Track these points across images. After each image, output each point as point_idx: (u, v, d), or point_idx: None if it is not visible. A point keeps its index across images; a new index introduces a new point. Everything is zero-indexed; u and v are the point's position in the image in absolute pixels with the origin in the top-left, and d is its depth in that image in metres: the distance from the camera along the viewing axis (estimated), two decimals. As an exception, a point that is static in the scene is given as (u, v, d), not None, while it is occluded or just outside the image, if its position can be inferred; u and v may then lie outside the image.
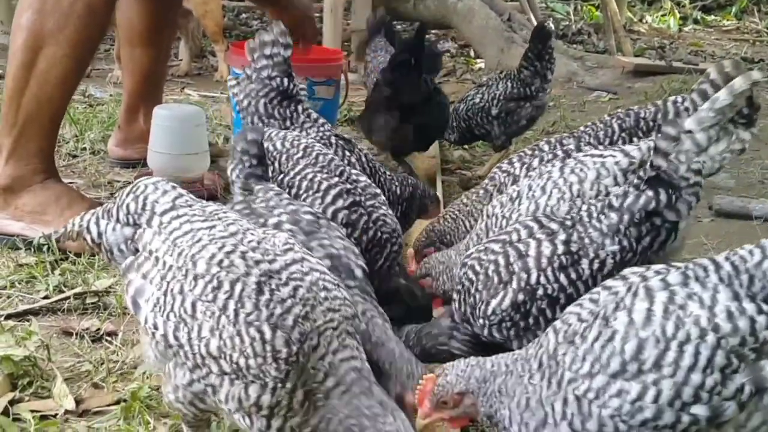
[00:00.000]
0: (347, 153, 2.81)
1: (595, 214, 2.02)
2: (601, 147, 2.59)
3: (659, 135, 1.93)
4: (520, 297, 1.99)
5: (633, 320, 1.53)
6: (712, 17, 10.65)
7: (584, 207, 2.09)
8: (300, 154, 2.46)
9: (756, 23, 10.27)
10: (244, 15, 9.11)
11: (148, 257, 1.78)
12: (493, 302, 2.01)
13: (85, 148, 4.11)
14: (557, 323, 1.68)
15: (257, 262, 1.68)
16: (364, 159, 2.82)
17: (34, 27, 2.87)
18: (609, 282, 1.69)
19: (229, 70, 4.02)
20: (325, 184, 2.33)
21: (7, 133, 3.00)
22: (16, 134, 2.98)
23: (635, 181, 2.00)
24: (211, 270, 1.66)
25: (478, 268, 2.07)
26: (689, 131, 1.90)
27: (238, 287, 1.64)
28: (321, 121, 2.87)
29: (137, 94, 3.87)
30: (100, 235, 1.90)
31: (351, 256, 2.04)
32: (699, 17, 10.50)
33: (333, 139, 2.82)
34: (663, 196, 1.94)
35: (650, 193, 1.95)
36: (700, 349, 1.48)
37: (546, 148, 2.71)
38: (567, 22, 9.43)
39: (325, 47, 5.05)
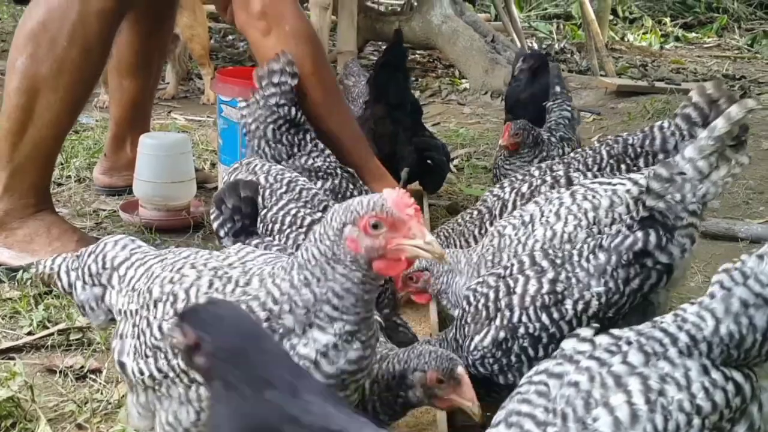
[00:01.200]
0: (350, 185, 2.85)
1: (585, 254, 2.01)
2: (590, 174, 2.61)
3: (652, 175, 1.92)
4: (501, 334, 1.99)
5: (619, 419, 1.41)
6: (693, 35, 10.75)
7: (577, 246, 2.09)
8: (283, 189, 2.46)
9: (736, 40, 10.37)
10: (230, 37, 9.10)
11: (120, 318, 1.78)
12: (476, 338, 2.02)
13: (70, 176, 4.09)
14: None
15: (206, 265, 1.67)
16: (365, 191, 2.82)
17: (28, 72, 2.84)
18: (552, 367, 1.52)
19: (216, 95, 4.01)
20: (308, 220, 2.32)
21: (2, 167, 2.98)
22: (11, 170, 2.97)
23: (628, 221, 2.00)
24: (165, 289, 1.66)
25: (471, 299, 2.08)
26: (682, 173, 1.91)
27: (192, 291, 1.63)
28: (327, 151, 2.92)
29: (125, 123, 3.86)
30: (70, 285, 1.91)
31: None
32: (680, 35, 10.58)
33: (338, 171, 2.87)
34: (653, 237, 1.93)
35: (639, 234, 1.94)
36: None
37: (536, 173, 2.73)
38: (550, 42, 9.49)
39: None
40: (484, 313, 2.02)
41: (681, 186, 1.91)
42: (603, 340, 1.55)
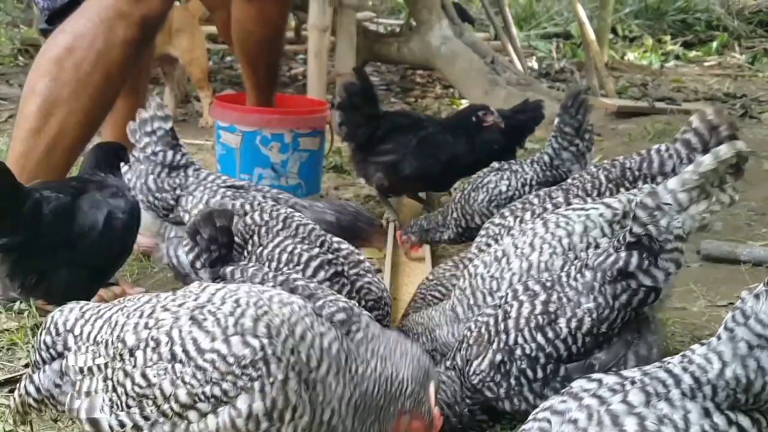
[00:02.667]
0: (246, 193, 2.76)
1: (573, 274, 2.05)
2: (589, 199, 2.60)
3: (639, 204, 1.93)
4: (498, 357, 2.02)
5: None
6: (694, 53, 10.77)
7: (565, 267, 2.13)
8: (279, 226, 2.43)
9: (737, 58, 10.39)
10: (228, 58, 9.13)
11: (82, 376, 1.72)
12: (475, 363, 2.05)
13: (67, 203, 4.06)
14: None
15: (181, 305, 1.65)
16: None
17: (50, 94, 2.88)
18: (557, 404, 1.55)
19: (215, 121, 4.01)
20: (305, 256, 2.31)
21: None
22: None
23: (615, 243, 2.02)
24: (141, 336, 1.63)
25: (473, 327, 2.11)
26: (668, 203, 1.91)
27: (174, 333, 1.59)
28: (210, 177, 2.83)
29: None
30: (38, 389, 1.84)
31: (353, 309, 1.98)
32: (681, 53, 10.62)
33: (223, 191, 2.76)
34: (635, 259, 1.95)
35: (623, 254, 1.96)
36: None
37: (536, 201, 2.71)
38: (549, 61, 9.51)
39: (310, 98, 5.05)
40: (486, 337, 2.05)
41: (666, 214, 1.92)
42: (610, 379, 1.55)
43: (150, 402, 1.61)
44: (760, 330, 1.47)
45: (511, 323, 2.02)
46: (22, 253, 2.48)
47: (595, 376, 1.60)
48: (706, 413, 1.47)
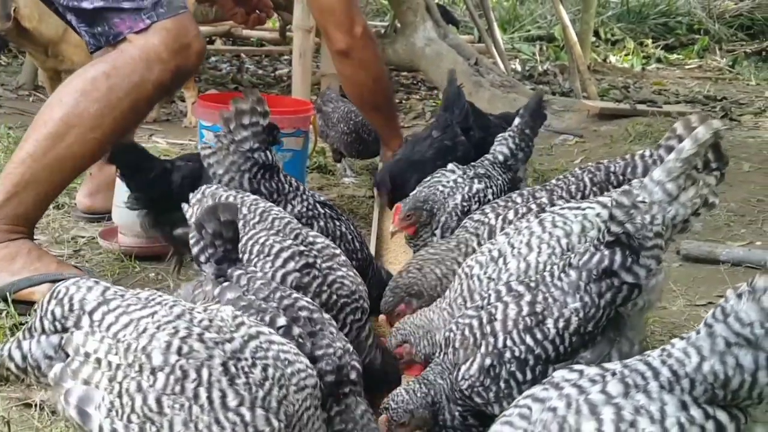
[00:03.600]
0: (336, 222, 2.76)
1: (556, 273, 2.04)
2: (573, 201, 2.61)
3: (614, 204, 1.95)
4: (488, 361, 1.99)
5: None
6: (675, 56, 10.86)
7: (549, 267, 2.11)
8: (256, 219, 2.41)
9: (717, 61, 10.49)
10: (213, 58, 9.12)
11: (85, 361, 1.67)
12: (463, 368, 2.02)
13: (48, 202, 4.04)
14: None
15: (217, 343, 1.62)
16: (352, 228, 2.77)
17: (78, 108, 2.98)
18: (539, 392, 1.60)
19: (197, 122, 4.00)
20: (276, 247, 2.27)
21: (4, 189, 3.00)
22: (11, 194, 2.99)
23: (595, 241, 2.02)
24: (170, 360, 1.59)
25: (455, 329, 2.08)
26: (642, 201, 1.93)
27: (204, 373, 1.57)
28: (302, 188, 2.81)
29: None
30: (24, 357, 1.80)
31: (346, 359, 1.97)
32: (662, 56, 10.70)
33: (319, 209, 2.76)
34: (618, 257, 1.95)
35: (606, 252, 1.96)
36: None
37: (519, 200, 2.72)
38: (533, 64, 9.56)
39: (294, 98, 5.05)
40: (472, 340, 2.03)
41: (643, 211, 1.93)
42: (591, 371, 1.59)
43: (154, 429, 1.58)
44: (739, 329, 1.49)
45: (498, 325, 2.00)
46: (158, 209, 2.98)
47: (576, 366, 1.63)
48: (683, 406, 1.49)
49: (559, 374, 1.62)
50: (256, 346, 1.68)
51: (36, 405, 2.34)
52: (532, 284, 2.05)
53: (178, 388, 1.57)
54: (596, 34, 10.55)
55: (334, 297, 2.27)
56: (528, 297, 2.02)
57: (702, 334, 1.53)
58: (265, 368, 1.64)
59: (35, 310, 1.85)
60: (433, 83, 7.60)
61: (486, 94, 6.33)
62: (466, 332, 2.04)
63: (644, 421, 1.46)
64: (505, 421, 1.58)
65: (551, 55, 10.20)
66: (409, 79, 8.58)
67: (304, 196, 2.79)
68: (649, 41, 11.10)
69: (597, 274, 1.96)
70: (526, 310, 1.99)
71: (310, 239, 2.40)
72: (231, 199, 2.49)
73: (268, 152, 2.73)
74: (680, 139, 2.46)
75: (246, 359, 1.63)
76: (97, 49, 3.15)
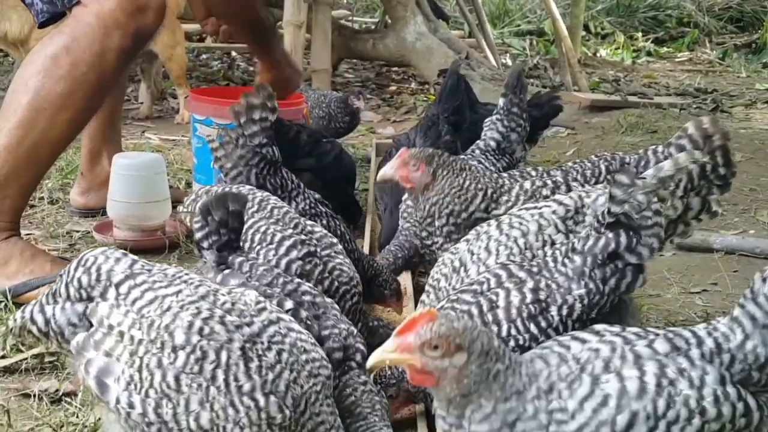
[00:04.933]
0: (336, 223, 2.77)
1: (560, 259, 2.01)
2: (587, 186, 2.62)
3: (614, 182, 1.94)
4: None
5: (626, 388, 1.49)
6: (665, 49, 10.91)
7: (549, 251, 2.10)
8: (255, 208, 2.42)
9: (708, 54, 10.54)
10: (204, 56, 9.11)
11: (108, 333, 1.69)
12: None
13: (42, 198, 4.04)
14: (537, 353, 1.62)
15: (237, 327, 1.65)
16: (345, 230, 2.78)
17: (43, 89, 2.90)
18: (580, 334, 1.64)
19: (190, 117, 4.00)
20: (278, 236, 2.28)
21: None
22: None
23: (595, 224, 2.01)
24: (192, 339, 1.61)
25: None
26: (643, 177, 1.94)
27: (223, 356, 1.60)
28: (303, 186, 2.83)
29: (99, 137, 3.85)
30: (47, 322, 1.81)
31: (351, 340, 2.00)
32: (652, 49, 10.74)
33: (321, 208, 2.78)
34: (623, 238, 1.94)
35: (611, 235, 1.95)
36: None
37: (534, 173, 2.74)
38: (523, 58, 9.58)
39: (287, 91, 5.06)
40: None
41: (642, 189, 1.93)
42: (633, 329, 1.64)
43: (170, 405, 1.60)
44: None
45: (501, 313, 1.95)
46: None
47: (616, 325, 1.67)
48: (722, 380, 1.53)
49: (600, 326, 1.64)
50: (275, 331, 1.70)
51: (35, 395, 2.33)
52: (534, 269, 2.02)
53: (197, 368, 1.60)
54: (586, 28, 10.59)
55: (336, 284, 2.30)
56: (531, 283, 1.97)
57: (743, 310, 1.59)
58: (279, 352, 1.66)
59: (60, 276, 1.86)
60: (423, 78, 7.61)
61: (477, 87, 6.30)
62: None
63: (684, 384, 1.51)
64: (543, 347, 1.62)
65: (541, 49, 10.23)
66: (399, 74, 8.59)
67: (306, 194, 2.81)
68: (639, 35, 11.15)
69: (602, 259, 1.94)
70: (530, 297, 1.95)
71: (309, 228, 2.42)
72: (242, 192, 2.49)
73: (274, 148, 2.75)
74: (691, 139, 2.47)
75: (262, 342, 1.65)
76: (50, 19, 3.05)
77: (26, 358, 2.53)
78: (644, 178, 1.93)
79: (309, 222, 2.48)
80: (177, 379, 1.60)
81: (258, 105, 2.71)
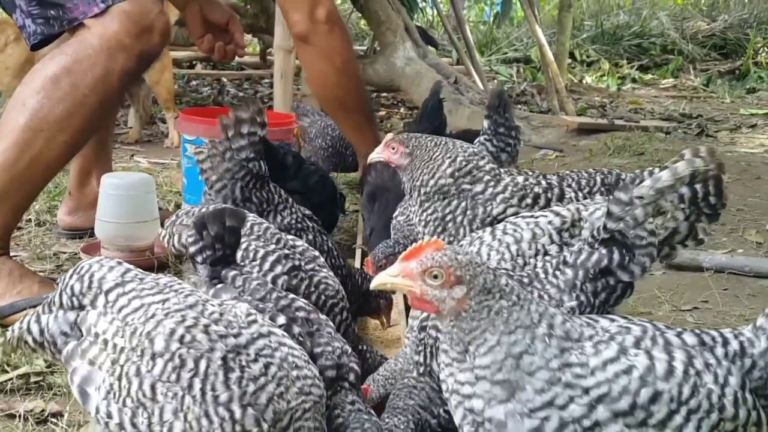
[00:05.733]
0: (323, 237, 2.75)
1: (550, 271, 2.00)
2: (580, 194, 2.63)
3: (611, 199, 1.94)
4: None
5: (654, 366, 1.47)
6: (650, 76, 11.02)
7: (540, 263, 2.08)
8: None
9: (692, 80, 10.65)
10: (194, 82, 9.14)
11: (95, 341, 1.67)
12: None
13: (30, 219, 4.01)
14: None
15: (221, 336, 1.60)
16: (333, 245, 2.76)
17: (42, 110, 2.85)
18: (607, 316, 1.62)
19: (180, 138, 3.99)
20: (261, 252, 2.25)
21: None
22: None
23: (589, 239, 2.00)
24: (171, 347, 1.57)
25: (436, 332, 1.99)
26: (640, 197, 1.92)
27: (202, 364, 1.55)
28: (291, 200, 2.82)
29: (90, 157, 3.81)
30: (42, 331, 1.79)
31: (345, 359, 1.96)
32: (637, 76, 10.85)
33: (308, 223, 2.76)
34: (616, 255, 1.94)
35: (604, 250, 1.94)
36: (702, 425, 1.46)
37: (530, 172, 2.74)
38: (511, 84, 9.66)
39: (277, 112, 5.06)
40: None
41: (639, 208, 1.92)
42: (660, 324, 1.62)
43: (145, 414, 1.56)
44: None
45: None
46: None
47: None
48: (743, 384, 1.53)
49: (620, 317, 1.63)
50: (264, 344, 1.65)
51: (20, 416, 2.29)
52: (525, 280, 2.01)
53: (174, 377, 1.55)
54: (572, 55, 10.68)
55: (323, 298, 2.27)
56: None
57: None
58: (267, 365, 1.61)
59: (57, 284, 1.84)
60: (413, 102, 7.65)
61: (466, 111, 6.38)
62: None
63: (709, 377, 1.49)
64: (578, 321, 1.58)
65: (528, 76, 10.32)
66: (389, 99, 8.64)
67: (293, 209, 2.80)
68: (624, 62, 11.26)
69: (594, 274, 1.94)
70: None
71: (291, 243, 2.39)
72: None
73: (261, 162, 2.74)
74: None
75: (248, 354, 1.61)
76: (43, 41, 3.00)
77: (11, 379, 2.49)
78: (642, 197, 1.91)
79: (290, 237, 2.45)
80: (153, 387, 1.56)
81: (247, 119, 2.70)
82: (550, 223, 2.23)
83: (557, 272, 1.99)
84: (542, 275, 2.01)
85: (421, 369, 2.09)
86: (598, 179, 2.72)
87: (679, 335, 1.55)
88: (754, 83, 10.33)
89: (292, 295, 2.05)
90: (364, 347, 2.39)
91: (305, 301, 2.07)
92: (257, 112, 2.72)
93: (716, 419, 1.47)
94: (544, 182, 2.63)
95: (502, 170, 2.73)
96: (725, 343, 1.56)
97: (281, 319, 1.91)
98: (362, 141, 3.69)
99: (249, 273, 2.05)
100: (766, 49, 11.49)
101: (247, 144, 2.69)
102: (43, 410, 2.33)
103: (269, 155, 3.08)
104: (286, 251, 2.30)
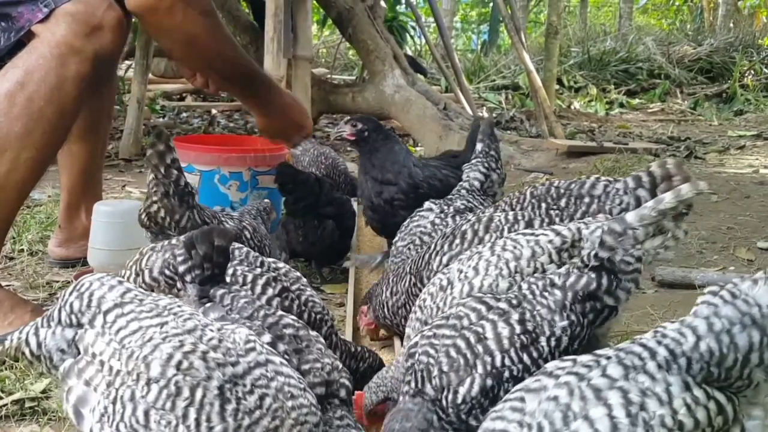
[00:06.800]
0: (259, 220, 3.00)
1: (538, 292, 2.02)
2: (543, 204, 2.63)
3: (606, 230, 1.96)
4: (489, 382, 1.90)
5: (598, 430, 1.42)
6: (637, 100, 11.13)
7: (524, 285, 2.07)
8: None
9: (679, 104, 10.76)
10: (184, 114, 9.18)
11: (91, 361, 1.66)
12: (462, 390, 1.91)
13: (22, 250, 4.00)
14: None
15: (219, 365, 1.57)
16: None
17: (1, 130, 2.74)
18: (531, 383, 1.55)
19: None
20: (250, 276, 2.25)
21: None
22: None
23: (578, 263, 2.03)
24: (167, 373, 1.55)
25: (432, 351, 1.97)
26: (634, 228, 1.95)
27: (198, 394, 1.53)
28: (220, 208, 3.04)
29: (77, 191, 3.80)
30: (39, 345, 1.78)
31: (335, 375, 1.96)
32: (624, 101, 10.96)
33: (246, 216, 3.03)
34: (604, 281, 1.98)
35: (592, 275, 1.98)
36: None
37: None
38: (500, 111, 9.74)
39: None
40: (462, 361, 1.93)
41: (630, 238, 1.95)
42: (584, 358, 1.57)
43: None
44: (746, 309, 1.53)
45: (492, 344, 1.92)
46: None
47: (567, 357, 1.60)
48: (687, 387, 1.48)
49: (551, 364, 1.59)
50: (261, 374, 1.63)
51: (14, 440, 2.28)
52: (514, 301, 2.01)
53: (168, 405, 1.53)
54: (559, 81, 10.80)
55: (313, 315, 2.29)
56: (515, 315, 1.97)
57: (701, 315, 1.55)
58: (262, 397, 1.59)
59: (57, 299, 1.83)
60: (403, 130, 7.70)
61: (456, 137, 6.42)
62: (452, 353, 1.94)
63: (653, 404, 1.44)
64: (496, 417, 1.52)
65: (517, 102, 10.41)
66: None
67: (224, 216, 3.00)
68: (612, 87, 11.39)
69: (582, 296, 1.97)
70: (518, 328, 1.94)
71: (273, 265, 2.41)
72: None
73: (188, 182, 2.89)
74: (650, 176, 2.47)
75: (245, 385, 1.59)
76: (6, 55, 2.87)
77: (6, 405, 2.47)
78: (637, 228, 1.95)
79: (271, 259, 2.47)
80: (146, 414, 1.54)
81: (165, 149, 2.78)
82: (550, 242, 2.24)
83: (545, 293, 2.01)
84: (530, 296, 2.02)
85: (412, 392, 2.02)
86: (528, 194, 2.69)
87: (604, 373, 1.49)
88: (741, 105, 10.45)
89: (280, 312, 2.05)
90: (359, 348, 2.40)
91: (294, 317, 2.06)
92: (166, 138, 2.79)
93: None
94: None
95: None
96: (653, 355, 1.50)
97: (266, 338, 1.90)
98: (252, 108, 3.47)
99: (237, 291, 2.05)
100: (752, 72, 11.64)
101: (177, 171, 2.80)
102: (37, 436, 2.31)
103: (299, 182, 3.37)
104: (273, 274, 2.32)
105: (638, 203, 2.46)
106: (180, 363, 1.56)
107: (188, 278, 2.00)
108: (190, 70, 3.35)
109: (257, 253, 2.46)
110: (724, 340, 1.52)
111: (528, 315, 1.97)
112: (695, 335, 1.52)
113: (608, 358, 1.53)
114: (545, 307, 1.98)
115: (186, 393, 1.53)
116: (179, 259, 2.01)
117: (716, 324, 1.53)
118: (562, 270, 2.06)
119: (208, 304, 1.98)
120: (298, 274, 2.42)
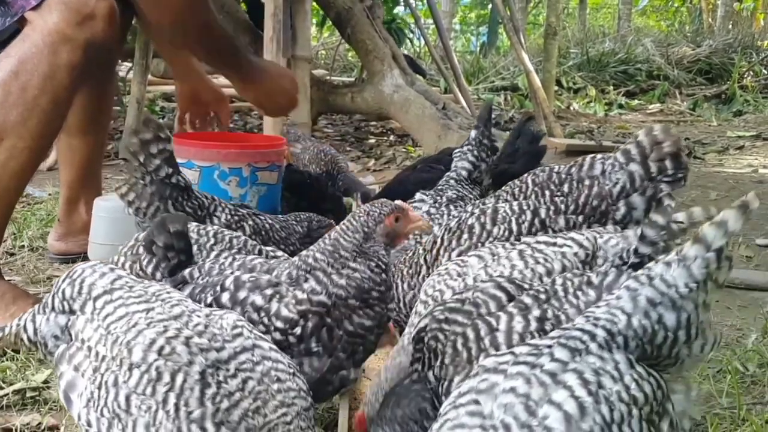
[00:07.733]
0: (261, 218, 2.94)
1: (571, 290, 1.92)
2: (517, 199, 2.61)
3: (647, 223, 1.89)
4: None
5: (569, 413, 1.38)
6: (636, 101, 11.15)
7: (559, 280, 1.98)
8: (212, 241, 2.42)
9: (678, 105, 10.77)
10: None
11: (81, 347, 1.67)
12: (457, 380, 1.85)
13: (23, 246, 4.02)
14: None
15: (203, 350, 1.57)
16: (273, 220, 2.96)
17: None
18: (478, 384, 1.47)
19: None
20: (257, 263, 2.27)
21: None
22: None
23: (617, 261, 1.96)
24: (148, 358, 1.55)
25: (441, 337, 1.92)
26: (678, 221, 1.88)
27: (179, 379, 1.53)
28: (217, 199, 2.94)
29: (77, 185, 3.82)
30: (35, 331, 1.80)
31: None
32: (623, 102, 10.98)
33: (241, 210, 2.93)
34: None
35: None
36: (633, 427, 1.43)
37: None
38: (499, 112, 9.76)
39: (267, 135, 5.11)
40: (465, 354, 1.86)
41: (675, 233, 1.87)
42: (521, 348, 1.55)
43: (120, 426, 1.55)
44: (664, 289, 1.58)
45: (501, 338, 1.83)
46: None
47: (501, 351, 1.61)
48: (631, 364, 1.51)
49: (489, 361, 1.53)
50: (247, 358, 1.63)
51: (17, 429, 2.29)
52: (542, 296, 1.92)
53: (149, 390, 1.54)
54: (558, 83, 10.82)
55: None
56: (536, 311, 1.88)
57: (624, 296, 1.60)
58: (245, 380, 1.59)
59: (53, 286, 1.85)
60: (402, 130, 7.71)
61: (455, 136, 6.42)
62: (459, 345, 1.87)
63: (608, 381, 1.45)
64: (454, 426, 1.42)
65: (516, 103, 10.43)
66: (378, 128, 8.71)
67: (223, 205, 2.92)
68: (611, 88, 11.40)
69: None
70: (534, 325, 1.85)
71: (271, 253, 2.42)
72: (193, 229, 2.47)
73: (181, 175, 2.83)
74: (638, 146, 2.48)
75: (228, 370, 1.59)
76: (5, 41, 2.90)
77: (7, 394, 2.49)
78: (681, 222, 1.87)
79: (267, 248, 2.49)
80: (128, 399, 1.54)
81: (152, 138, 2.74)
82: (575, 254, 2.15)
83: (578, 292, 1.91)
84: (561, 293, 1.92)
85: (415, 376, 1.99)
86: (529, 181, 2.70)
87: (553, 358, 1.47)
88: (741, 106, 10.45)
89: (242, 255, 2.10)
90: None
91: (257, 256, 2.13)
92: (157, 128, 2.76)
93: (637, 413, 1.43)
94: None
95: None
96: (593, 336, 1.52)
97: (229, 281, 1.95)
98: (241, 79, 3.42)
99: (204, 263, 2.07)
100: (751, 72, 11.66)
101: (162, 162, 2.75)
102: (39, 424, 2.32)
103: (297, 182, 3.29)
104: (272, 262, 2.33)
105: (632, 179, 2.45)
106: (162, 348, 1.57)
107: (158, 276, 2.02)
108: (176, 47, 3.41)
109: (254, 242, 2.48)
110: (652, 316, 1.57)
111: (550, 314, 1.87)
112: (624, 313, 1.57)
113: (548, 346, 1.51)
114: (574, 307, 1.88)
115: (166, 378, 1.54)
116: (144, 262, 2.03)
117: (641, 301, 1.58)
118: (602, 268, 1.98)
119: (186, 289, 1.99)
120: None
